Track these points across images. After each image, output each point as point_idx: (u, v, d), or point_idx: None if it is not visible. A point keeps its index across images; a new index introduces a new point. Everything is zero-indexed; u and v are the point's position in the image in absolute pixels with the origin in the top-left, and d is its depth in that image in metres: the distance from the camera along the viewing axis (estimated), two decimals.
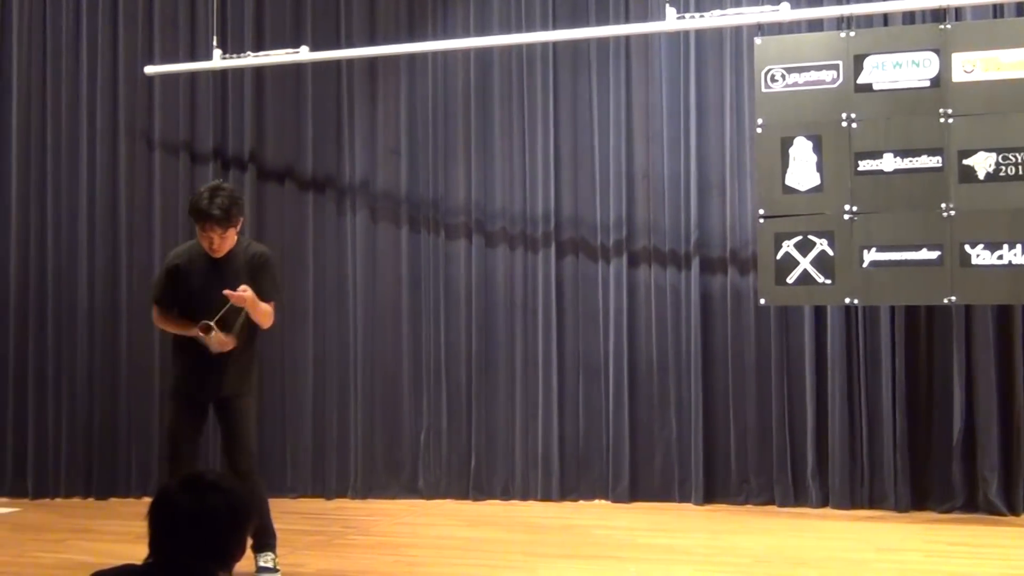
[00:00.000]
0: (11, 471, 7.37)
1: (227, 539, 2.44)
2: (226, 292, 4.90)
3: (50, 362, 7.38)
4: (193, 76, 7.47)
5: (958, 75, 6.05)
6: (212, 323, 4.92)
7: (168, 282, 5.22)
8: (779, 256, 6.30)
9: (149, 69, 7.38)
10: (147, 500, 2.78)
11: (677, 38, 6.95)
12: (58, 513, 6.93)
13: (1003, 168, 5.97)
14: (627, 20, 7.03)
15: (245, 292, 4.93)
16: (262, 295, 5.09)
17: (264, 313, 5.10)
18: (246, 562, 4.20)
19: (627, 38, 7.06)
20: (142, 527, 2.46)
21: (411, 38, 7.33)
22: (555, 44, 7.12)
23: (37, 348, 7.39)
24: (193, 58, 7.42)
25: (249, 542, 3.37)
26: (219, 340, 4.96)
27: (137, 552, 2.51)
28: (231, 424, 5.13)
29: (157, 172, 7.49)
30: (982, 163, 6.01)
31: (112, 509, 7.08)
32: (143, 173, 7.51)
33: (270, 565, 5.10)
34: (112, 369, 7.39)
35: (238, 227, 5.13)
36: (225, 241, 5.06)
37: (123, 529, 6.22)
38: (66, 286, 7.43)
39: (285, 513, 6.33)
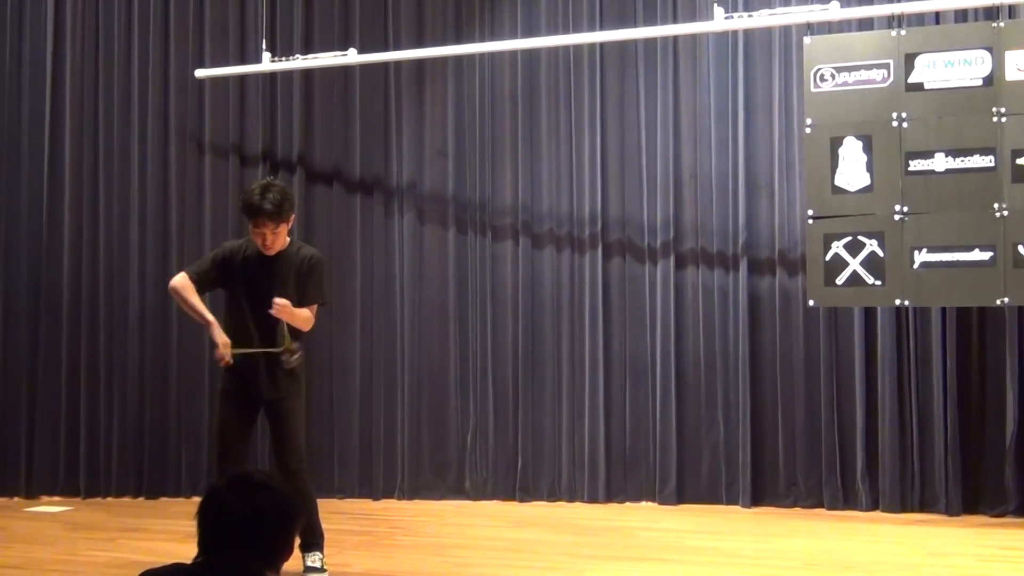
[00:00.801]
0: (64, 470, 7.45)
1: (275, 539, 2.46)
2: (273, 311, 4.98)
3: (102, 363, 7.46)
4: (243, 79, 7.53)
5: (1011, 73, 5.97)
6: (292, 347, 5.04)
7: (213, 266, 5.22)
8: (828, 257, 6.25)
9: (199, 72, 7.45)
10: (197, 500, 2.80)
11: (725, 38, 6.91)
12: (109, 512, 7.00)
13: None
14: (675, 20, 7.01)
15: (283, 307, 4.97)
16: (307, 298, 5.14)
17: (303, 319, 5.14)
18: (294, 562, 4.22)
19: (675, 38, 7.03)
20: (191, 526, 2.48)
21: (458, 40, 7.35)
22: (602, 45, 7.11)
23: (89, 349, 7.48)
24: (243, 61, 7.48)
25: (297, 542, 3.39)
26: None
27: (186, 551, 2.53)
28: (280, 425, 5.16)
29: (207, 174, 7.55)
30: None
31: (162, 508, 7.14)
32: (193, 175, 7.58)
33: (317, 565, 5.13)
34: (163, 370, 7.47)
35: (290, 224, 5.16)
36: (277, 238, 5.08)
37: (173, 528, 6.27)
38: (118, 287, 7.51)
39: (332, 513, 6.37)
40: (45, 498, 7.38)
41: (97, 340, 7.48)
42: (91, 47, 7.61)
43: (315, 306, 5.22)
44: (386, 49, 7.41)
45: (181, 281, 5.18)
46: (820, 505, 6.70)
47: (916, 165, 6.13)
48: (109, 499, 7.39)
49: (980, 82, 6.04)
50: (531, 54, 7.27)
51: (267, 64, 7.25)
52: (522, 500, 7.13)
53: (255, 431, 5.47)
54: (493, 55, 7.30)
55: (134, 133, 7.55)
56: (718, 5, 6.54)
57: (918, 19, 6.44)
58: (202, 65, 7.51)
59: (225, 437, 5.18)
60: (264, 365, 5.09)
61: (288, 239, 5.20)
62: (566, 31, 7.14)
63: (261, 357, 5.06)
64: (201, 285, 5.19)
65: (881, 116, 6.20)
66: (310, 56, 7.24)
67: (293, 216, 5.19)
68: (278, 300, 4.97)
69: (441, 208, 7.44)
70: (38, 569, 5.48)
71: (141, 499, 7.40)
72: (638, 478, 7.04)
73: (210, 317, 5.12)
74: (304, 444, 5.29)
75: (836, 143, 6.27)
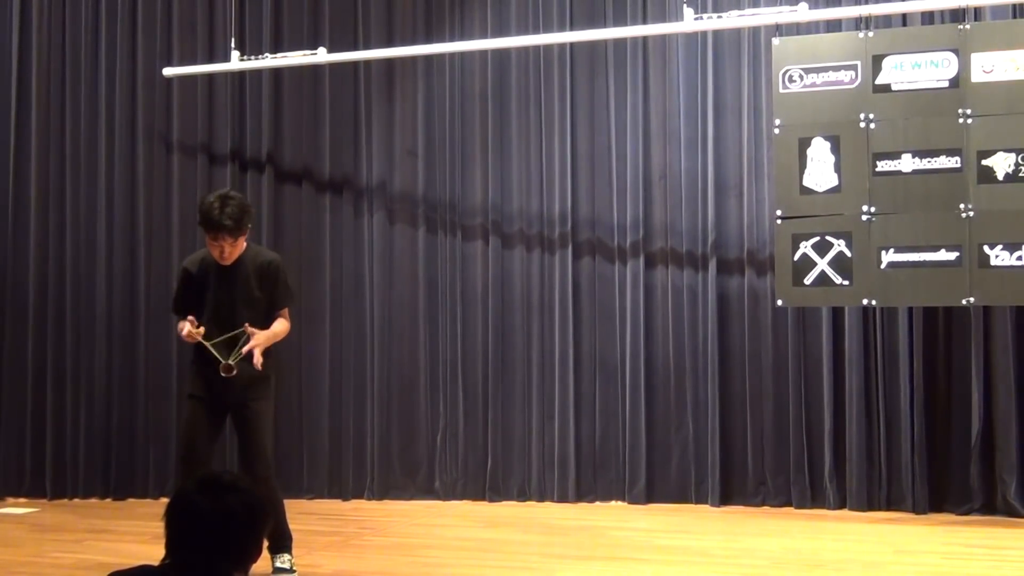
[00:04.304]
0: (30, 472, 7.39)
1: (244, 540, 2.45)
2: (248, 328, 4.96)
3: (68, 363, 7.41)
4: (211, 78, 7.49)
5: (977, 75, 6.03)
6: (232, 363, 4.95)
7: (180, 288, 5.24)
8: (796, 257, 6.29)
9: (167, 71, 7.41)
10: (164, 501, 2.79)
11: (695, 39, 6.94)
12: (76, 513, 6.95)
13: (1022, 168, 5.94)
14: (644, 21, 7.03)
15: (258, 340, 4.96)
16: (277, 302, 5.16)
17: (283, 332, 5.18)
18: (262, 563, 4.20)
19: (644, 39, 7.05)
20: (159, 528, 2.47)
21: (428, 39, 7.34)
22: (572, 45, 7.12)
23: (55, 349, 7.42)
24: (211, 60, 7.45)
25: (265, 543, 3.38)
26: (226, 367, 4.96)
27: (154, 553, 2.52)
28: (247, 429, 5.13)
29: (175, 173, 7.51)
30: (1001, 164, 5.99)
31: (130, 510, 7.10)
32: (161, 174, 7.54)
33: (286, 566, 5.10)
34: (130, 370, 7.42)
35: (247, 234, 5.15)
36: (235, 249, 5.09)
37: (140, 530, 6.24)
38: (84, 287, 7.45)
39: (302, 514, 6.35)
40: (11, 500, 7.32)
41: (64, 340, 7.42)
42: (57, 43, 7.56)
43: (286, 310, 5.22)
44: (356, 48, 7.39)
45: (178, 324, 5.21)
46: (788, 504, 6.74)
47: (883, 166, 6.18)
48: (76, 500, 7.34)
49: (946, 84, 6.09)
50: (501, 54, 7.27)
51: (236, 63, 7.22)
52: (492, 500, 7.14)
53: (223, 435, 5.43)
54: (463, 55, 7.29)
55: (101, 131, 7.51)
56: (687, 6, 6.56)
57: (885, 21, 6.48)
58: (170, 63, 7.47)
59: (190, 441, 5.13)
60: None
61: (244, 245, 5.19)
62: (536, 31, 7.15)
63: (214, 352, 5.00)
64: (183, 312, 5.15)
65: (849, 117, 6.24)
66: (279, 55, 7.21)
67: (251, 226, 5.17)
68: (254, 338, 4.95)
69: (411, 208, 7.43)
70: (4, 571, 5.43)
71: (108, 500, 7.36)
72: (608, 478, 7.05)
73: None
74: (272, 450, 5.26)
75: (804, 144, 6.31)
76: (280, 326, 5.16)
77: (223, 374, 4.94)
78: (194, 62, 7.46)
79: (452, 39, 7.32)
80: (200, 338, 4.97)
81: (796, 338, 6.75)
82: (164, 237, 7.47)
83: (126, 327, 7.44)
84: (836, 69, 6.27)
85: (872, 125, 6.20)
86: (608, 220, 7.12)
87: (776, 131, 6.39)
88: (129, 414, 7.40)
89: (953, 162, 6.06)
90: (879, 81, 6.20)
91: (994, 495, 6.40)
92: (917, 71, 6.14)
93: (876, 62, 6.20)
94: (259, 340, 4.99)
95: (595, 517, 6.68)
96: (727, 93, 6.95)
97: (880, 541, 5.85)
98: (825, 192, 6.27)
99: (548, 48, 7.16)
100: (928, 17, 6.52)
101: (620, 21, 7.05)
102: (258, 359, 4.95)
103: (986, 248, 5.99)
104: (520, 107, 7.27)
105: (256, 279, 5.12)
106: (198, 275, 5.18)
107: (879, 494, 6.58)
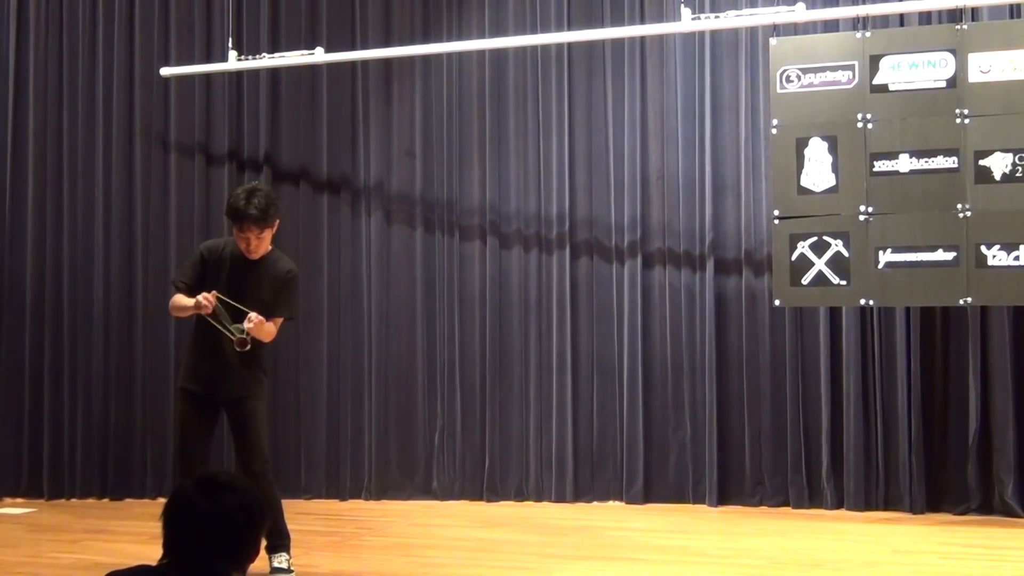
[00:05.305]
0: (27, 472, 7.39)
1: (242, 540, 2.44)
2: (246, 324, 4.95)
3: (66, 363, 7.40)
4: (209, 78, 7.49)
5: (974, 75, 6.03)
6: (246, 338, 4.95)
7: (191, 267, 5.21)
8: (794, 257, 6.29)
9: (165, 71, 7.41)
10: (162, 501, 2.79)
11: (692, 39, 6.94)
12: (73, 514, 6.95)
13: (1019, 168, 5.95)
14: (642, 21, 7.03)
15: (258, 324, 4.96)
16: (276, 312, 5.14)
17: (267, 332, 5.12)
18: (260, 563, 4.20)
19: (642, 39, 7.05)
20: (157, 528, 2.46)
21: (426, 39, 7.34)
22: (570, 45, 7.12)
23: (53, 349, 7.41)
24: (209, 60, 7.44)
25: (263, 543, 3.38)
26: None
27: (152, 553, 2.52)
28: (242, 426, 5.13)
29: (172, 173, 7.51)
30: (999, 164, 5.99)
31: (127, 510, 7.09)
32: (159, 174, 7.53)
33: (284, 566, 5.10)
34: (127, 370, 7.41)
35: (274, 229, 5.14)
36: (261, 243, 5.09)
37: (138, 530, 6.23)
38: (82, 287, 7.45)
39: (299, 514, 6.35)
40: (8, 500, 7.32)
41: (61, 340, 7.41)
42: (55, 43, 7.55)
43: (281, 320, 5.21)
44: (353, 48, 7.39)
45: (172, 298, 5.19)
46: (786, 504, 6.74)
47: (881, 166, 6.18)
48: (73, 500, 7.34)
49: (944, 84, 6.10)
50: (499, 54, 7.27)
51: (233, 63, 7.21)
52: (490, 500, 7.13)
53: (218, 430, 5.43)
54: (461, 55, 7.29)
55: (99, 131, 7.50)
56: (685, 6, 6.56)
57: (883, 21, 6.49)
58: (167, 63, 7.46)
59: (185, 435, 5.15)
60: (227, 364, 5.07)
61: (270, 246, 5.19)
62: (534, 31, 7.15)
63: (224, 335, 5.00)
64: (191, 291, 5.14)
65: (846, 117, 6.24)
66: (277, 55, 7.21)
67: (278, 222, 5.17)
68: (253, 315, 4.96)
69: (408, 208, 7.43)
70: (1, 571, 5.43)
71: (106, 500, 7.35)
72: (605, 477, 7.05)
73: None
74: (268, 445, 5.27)
75: (802, 144, 6.31)
76: (268, 327, 5.13)
77: (238, 348, 4.95)
78: (191, 62, 7.46)
79: (450, 39, 7.32)
80: (214, 304, 4.94)
81: (794, 338, 6.75)
82: (161, 237, 7.46)
83: (123, 327, 7.43)
84: (833, 69, 6.27)
85: (869, 125, 6.20)
86: (606, 220, 7.12)
87: (773, 131, 6.39)
88: (126, 414, 7.39)
89: (950, 162, 6.06)
90: (876, 81, 6.20)
91: (991, 495, 6.41)
92: (914, 71, 6.15)
93: (873, 62, 6.20)
94: (259, 319, 4.98)
95: (593, 517, 6.68)
96: (724, 93, 6.95)
97: (878, 541, 5.86)
98: (822, 192, 6.28)
99: (546, 48, 7.16)
100: (925, 17, 6.52)
101: (618, 21, 7.05)
102: (256, 318, 4.95)
103: (983, 248, 6.00)
104: (518, 107, 7.27)
105: (270, 282, 5.12)
106: (212, 263, 5.16)
107: (876, 494, 6.58)
